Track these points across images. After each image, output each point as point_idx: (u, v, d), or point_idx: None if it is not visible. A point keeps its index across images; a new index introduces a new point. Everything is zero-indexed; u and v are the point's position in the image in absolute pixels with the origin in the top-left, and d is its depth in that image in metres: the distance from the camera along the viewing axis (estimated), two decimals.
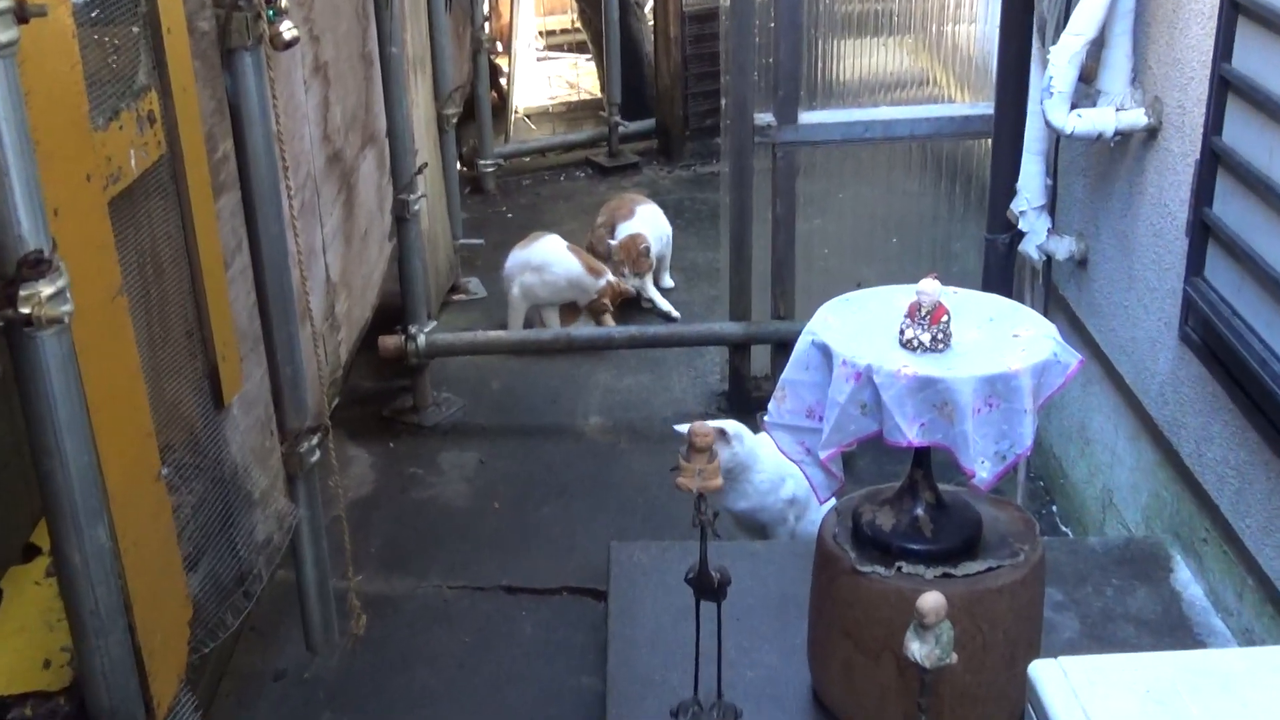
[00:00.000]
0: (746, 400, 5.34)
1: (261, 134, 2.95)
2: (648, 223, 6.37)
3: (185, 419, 2.73)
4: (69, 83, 2.14)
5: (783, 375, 2.93)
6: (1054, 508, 4.60)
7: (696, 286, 6.52)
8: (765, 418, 2.99)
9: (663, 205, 6.74)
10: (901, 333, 2.81)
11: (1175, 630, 3.42)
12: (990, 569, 2.88)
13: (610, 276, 6.03)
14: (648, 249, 6.22)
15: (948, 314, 2.79)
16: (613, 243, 6.17)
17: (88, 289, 2.15)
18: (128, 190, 2.42)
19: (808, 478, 2.97)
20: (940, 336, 2.78)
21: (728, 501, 3.99)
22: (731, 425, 4.01)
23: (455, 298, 6.40)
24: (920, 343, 2.78)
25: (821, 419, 2.86)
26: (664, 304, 6.27)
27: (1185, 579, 3.60)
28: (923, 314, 2.78)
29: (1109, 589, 3.60)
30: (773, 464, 3.95)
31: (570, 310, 6.08)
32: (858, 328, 2.89)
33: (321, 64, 4.03)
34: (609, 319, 6.06)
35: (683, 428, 3.43)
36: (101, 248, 2.24)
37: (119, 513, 2.23)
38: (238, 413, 2.99)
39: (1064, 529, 4.48)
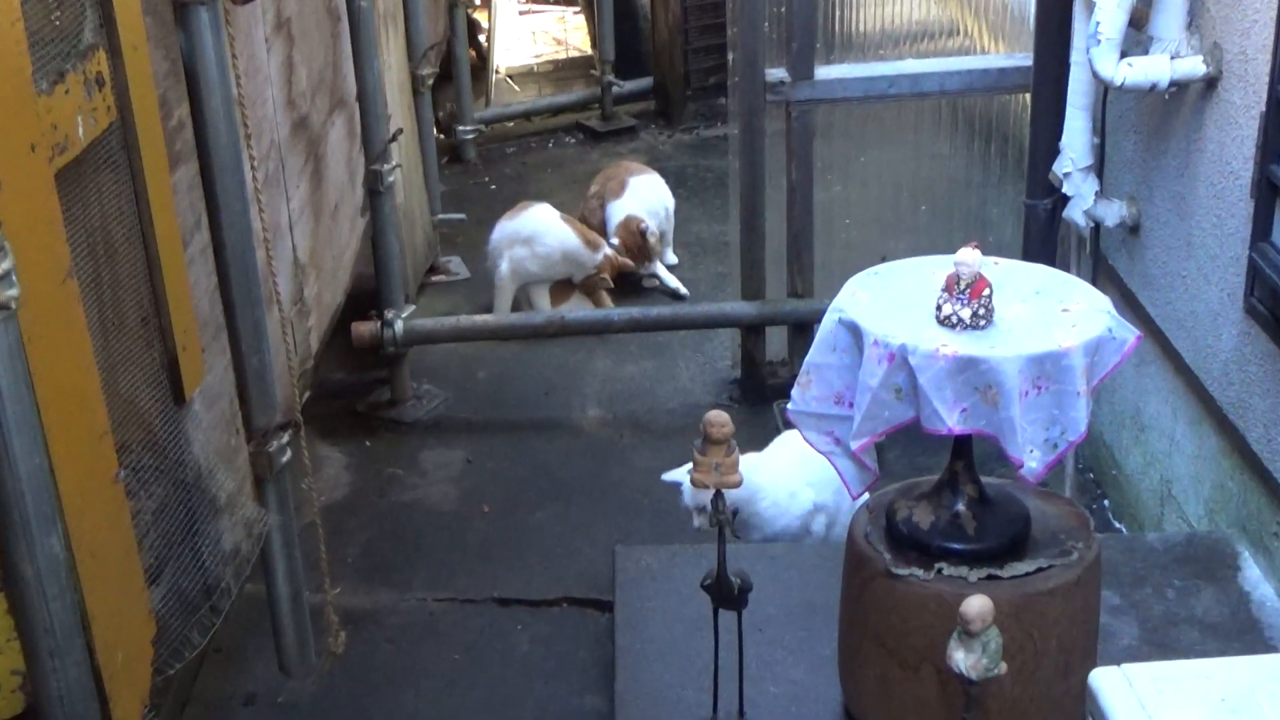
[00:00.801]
0: (761, 388, 5.34)
1: (221, 98, 2.94)
2: (641, 197, 6.35)
3: (142, 416, 2.72)
4: (9, 41, 2.13)
5: (807, 358, 2.93)
6: (1105, 502, 4.60)
7: (703, 263, 6.52)
8: (788, 406, 2.99)
9: (663, 173, 6.73)
10: (939, 308, 2.80)
11: (1244, 634, 3.43)
12: (1040, 569, 2.89)
13: (608, 249, 6.02)
14: (646, 230, 6.20)
15: (989, 287, 2.79)
16: (614, 241, 6.10)
17: (35, 271, 2.14)
18: (75, 162, 2.41)
19: (838, 471, 2.97)
20: (982, 312, 2.78)
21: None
22: None
23: (435, 279, 6.40)
24: (960, 319, 2.77)
25: (851, 406, 2.86)
26: (671, 280, 6.26)
27: (1254, 578, 3.61)
28: (962, 287, 2.78)
29: (1170, 590, 3.60)
30: (779, 485, 3.98)
31: (562, 291, 6.07)
32: (890, 303, 2.89)
33: (284, 20, 4.02)
34: (607, 299, 6.05)
35: (674, 476, 3.40)
36: (49, 225, 2.24)
37: (74, 520, 2.23)
38: (200, 408, 2.98)
39: (1117, 525, 4.49)
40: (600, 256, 5.98)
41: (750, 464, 4.01)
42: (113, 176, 2.60)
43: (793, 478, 4.01)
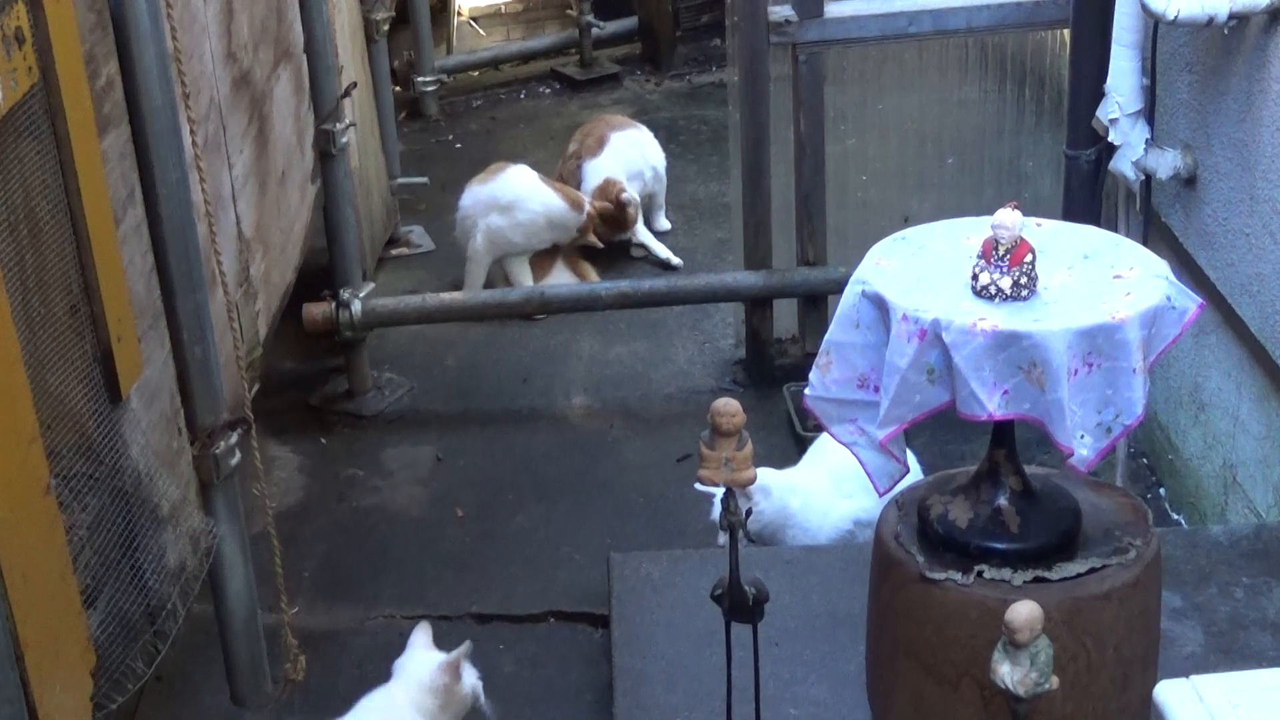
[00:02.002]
0: (769, 369, 5.36)
1: (154, 54, 2.94)
2: (623, 156, 6.35)
3: (74, 416, 2.72)
4: None
5: (826, 336, 2.95)
6: (1161, 490, 4.63)
7: (699, 228, 6.53)
8: (806, 391, 3.00)
9: (651, 127, 6.74)
10: (975, 277, 2.82)
11: None
12: (1094, 570, 2.91)
13: (590, 205, 6.02)
14: (627, 201, 6.17)
15: (1032, 252, 2.81)
16: (588, 208, 6.08)
17: None
18: None
19: (862, 465, 2.98)
20: (1024, 280, 2.80)
21: None
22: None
23: (395, 252, 6.40)
24: (999, 289, 2.79)
25: (877, 390, 2.87)
26: (661, 249, 6.27)
27: None
28: (1001, 253, 2.80)
29: (1238, 590, 3.63)
30: (811, 507, 4.02)
31: (540, 262, 6.08)
32: (919, 273, 2.90)
33: None
34: (592, 272, 6.06)
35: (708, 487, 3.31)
36: None
37: (3, 538, 2.24)
38: (137, 406, 2.99)
39: (1175, 517, 4.52)
40: (584, 215, 5.99)
41: (788, 479, 4.05)
42: (35, 146, 2.60)
43: (824, 492, 4.04)
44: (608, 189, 6.20)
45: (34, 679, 2.32)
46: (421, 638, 3.62)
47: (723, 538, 3.68)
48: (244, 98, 4.22)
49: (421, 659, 3.57)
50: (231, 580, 3.37)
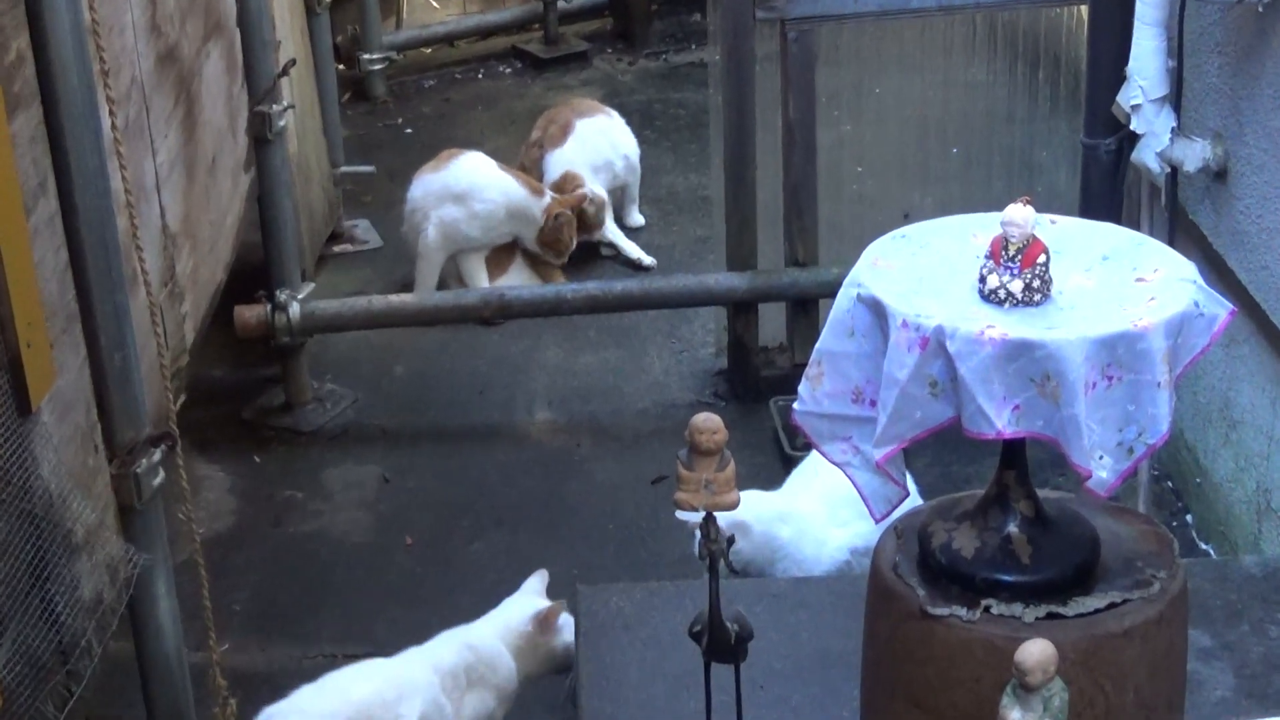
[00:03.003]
0: (754, 381, 5.37)
1: (69, 25, 2.94)
2: (590, 146, 6.34)
3: None
4: None
5: (818, 345, 2.94)
6: (1188, 517, 4.65)
7: (677, 224, 6.54)
8: (794, 405, 3.00)
9: (624, 111, 6.75)
10: (983, 280, 2.82)
11: None
12: (1113, 605, 2.91)
13: (550, 197, 6.02)
14: (581, 192, 6.14)
15: (1046, 252, 2.81)
16: (544, 198, 6.06)
17: None
18: None
19: (857, 488, 2.98)
20: (1037, 284, 2.80)
21: None
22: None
23: (338, 249, 6.40)
24: (1009, 293, 2.79)
25: (874, 404, 2.87)
26: (632, 249, 6.27)
27: None
28: (1011, 253, 2.80)
29: (1273, 627, 3.64)
30: (806, 540, 4.01)
31: (498, 260, 6.08)
32: (921, 275, 2.90)
33: None
34: (557, 273, 6.05)
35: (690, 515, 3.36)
36: None
37: None
38: (49, 419, 2.98)
39: (1204, 546, 4.53)
40: (547, 199, 5.98)
41: (775, 505, 4.04)
42: None
43: (818, 519, 4.04)
44: (566, 183, 6.19)
45: None
46: (536, 583, 4.01)
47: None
48: (170, 76, 4.22)
49: (522, 602, 3.96)
50: (154, 614, 3.36)
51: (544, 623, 3.87)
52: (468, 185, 5.95)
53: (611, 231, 6.31)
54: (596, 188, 6.25)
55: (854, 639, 3.22)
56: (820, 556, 4.05)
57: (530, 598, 3.95)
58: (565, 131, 6.37)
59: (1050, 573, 2.93)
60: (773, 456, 4.97)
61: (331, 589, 4.57)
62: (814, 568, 4.05)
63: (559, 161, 6.30)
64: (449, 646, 3.83)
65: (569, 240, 6.04)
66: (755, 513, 4.00)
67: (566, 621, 3.89)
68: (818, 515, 4.06)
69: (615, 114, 6.60)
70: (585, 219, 6.15)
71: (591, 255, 6.28)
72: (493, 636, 3.87)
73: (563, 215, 5.97)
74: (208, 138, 4.58)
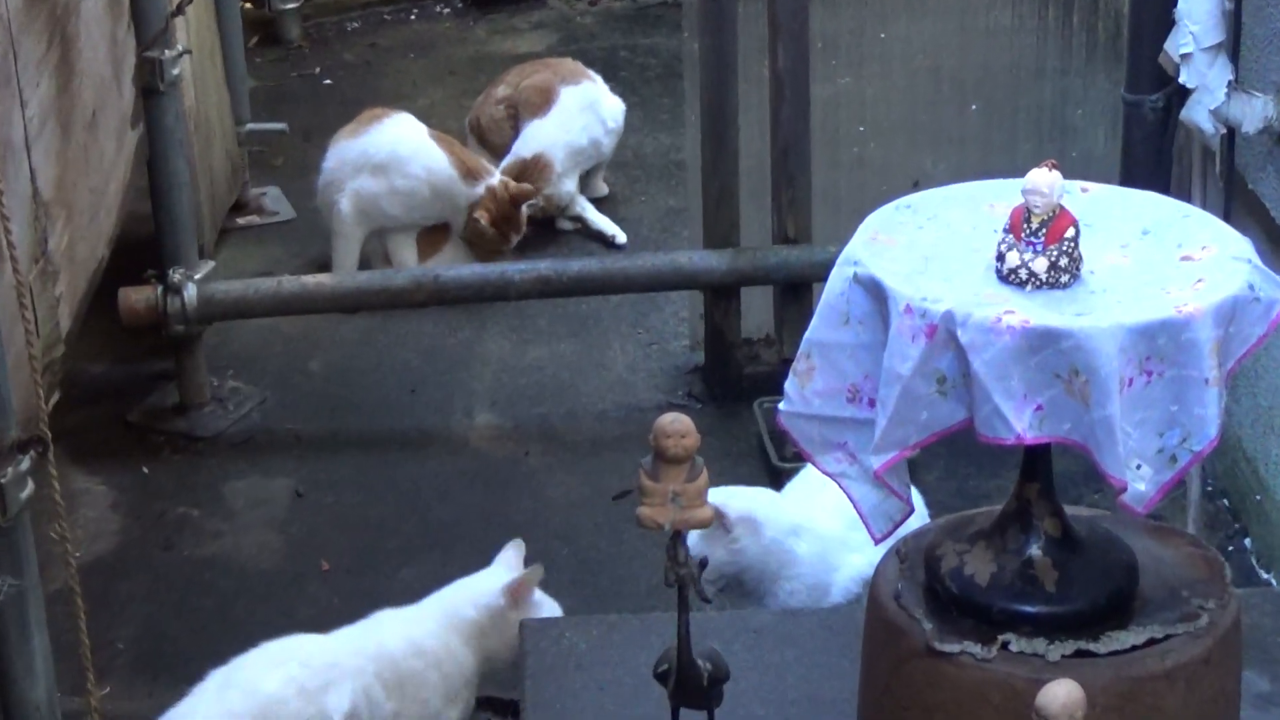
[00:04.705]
0: (735, 379, 5.38)
1: None
2: (572, 121, 6.35)
3: None
4: None
5: (807, 334, 2.95)
6: (1246, 540, 4.66)
7: (645, 192, 6.54)
8: (780, 406, 3.02)
9: (585, 59, 6.74)
10: (1001, 258, 2.83)
11: None
12: (1153, 641, 2.92)
13: (496, 178, 6.00)
14: (512, 191, 6.06)
15: (1075, 225, 2.83)
16: (477, 185, 6.05)
17: None
18: None
19: (854, 504, 2.99)
20: (1064, 263, 2.81)
21: None
22: (736, 499, 4.03)
23: (243, 221, 6.40)
24: (1032, 274, 2.81)
25: (873, 404, 2.88)
26: (601, 221, 6.27)
27: None
28: (1034, 226, 2.81)
29: None
30: (820, 563, 4.03)
31: (433, 238, 6.08)
32: (928, 251, 2.92)
33: None
34: (503, 251, 6.04)
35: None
36: None
37: None
38: None
39: (1265, 575, 4.55)
40: (482, 189, 5.94)
41: (788, 520, 4.05)
42: None
43: (836, 539, 4.05)
44: (530, 170, 6.18)
45: None
46: (511, 555, 4.08)
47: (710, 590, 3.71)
48: (40, 14, 4.20)
49: (487, 576, 4.02)
50: (22, 653, 3.35)
51: (516, 594, 3.89)
52: (388, 155, 5.95)
53: (580, 202, 6.33)
54: (567, 183, 6.25)
55: (849, 681, 3.23)
56: (832, 584, 4.06)
57: (502, 571, 4.00)
58: (547, 99, 6.36)
59: (1079, 603, 2.95)
60: (757, 468, 4.97)
61: (233, 624, 4.55)
62: (821, 596, 4.05)
63: (536, 136, 6.30)
64: (389, 629, 3.89)
65: (497, 244, 6.02)
66: (769, 513, 4.01)
67: (545, 599, 3.95)
68: (835, 536, 4.06)
69: (598, 79, 6.57)
70: (516, 218, 6.10)
71: (544, 229, 6.28)
72: (436, 619, 3.91)
73: (482, 219, 5.92)
74: (87, 88, 4.57)
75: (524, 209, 6.06)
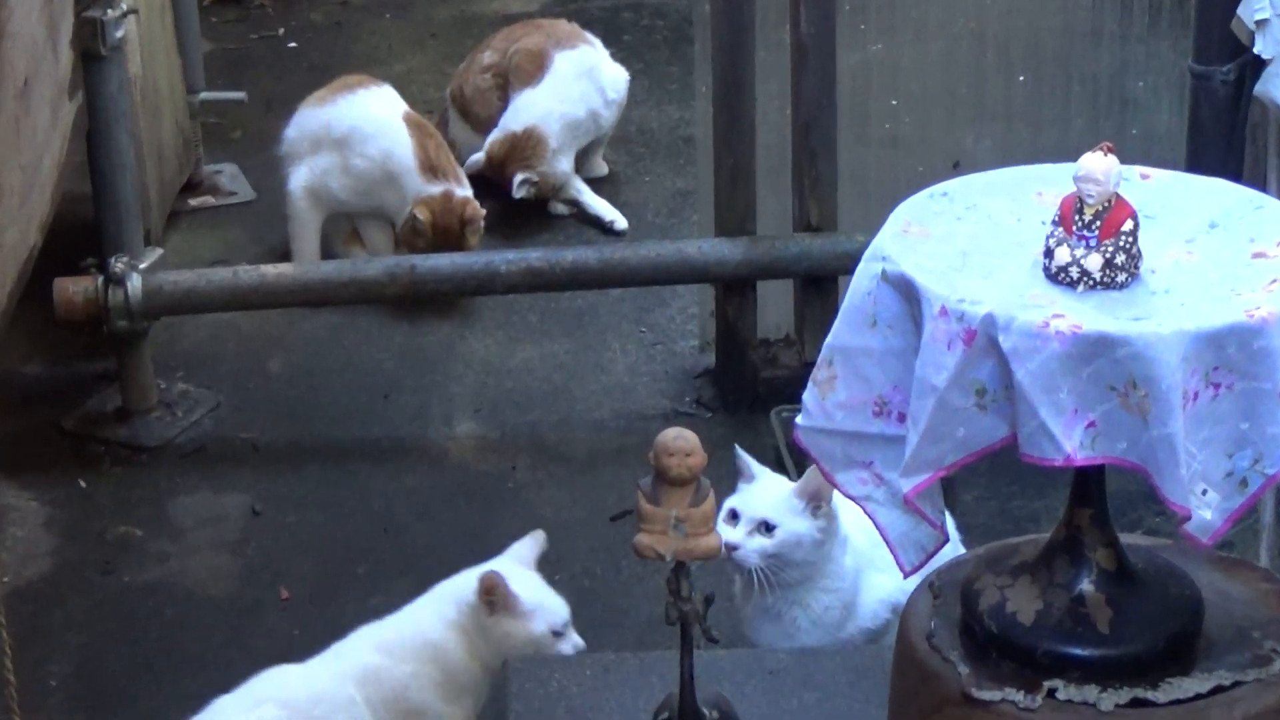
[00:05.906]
0: (749, 385, 5.38)
1: None
2: (568, 90, 6.33)
3: None
4: None
5: (829, 339, 2.96)
6: None
7: (651, 173, 6.55)
8: (798, 420, 3.01)
9: (581, 21, 6.73)
10: (1049, 254, 2.83)
11: None
12: (1220, 689, 2.92)
13: (461, 189, 5.92)
14: (519, 181, 6.13)
15: (1134, 217, 2.82)
16: (478, 156, 6.06)
17: None
18: None
19: (880, 530, 2.99)
20: (1121, 260, 2.81)
21: (758, 634, 4.04)
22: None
23: (196, 203, 6.40)
24: (1084, 272, 2.80)
25: (902, 419, 2.88)
26: (599, 205, 6.27)
27: None
28: (1088, 218, 2.81)
29: None
30: (854, 573, 4.03)
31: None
32: (966, 246, 2.92)
33: None
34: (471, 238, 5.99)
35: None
36: None
37: None
38: None
39: None
40: (435, 190, 5.89)
41: (843, 527, 4.05)
42: None
43: (862, 552, 4.04)
44: (521, 147, 6.17)
45: None
46: (527, 548, 4.12)
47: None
48: None
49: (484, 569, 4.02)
50: None
51: (493, 588, 3.88)
52: (349, 129, 5.95)
53: (575, 184, 6.32)
54: (562, 161, 6.24)
55: None
56: (858, 604, 4.05)
57: (508, 563, 4.01)
58: (540, 66, 6.34)
59: (1136, 645, 2.95)
60: None
61: (180, 658, 4.56)
62: (848, 618, 4.04)
63: (528, 107, 6.27)
64: (368, 646, 3.92)
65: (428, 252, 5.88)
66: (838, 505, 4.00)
67: (539, 607, 3.93)
68: (864, 553, 4.05)
69: (597, 43, 6.55)
70: (453, 235, 5.97)
71: (536, 213, 6.28)
72: (435, 615, 3.95)
73: (421, 215, 5.85)
74: (17, 52, 4.56)
75: (471, 232, 5.93)
